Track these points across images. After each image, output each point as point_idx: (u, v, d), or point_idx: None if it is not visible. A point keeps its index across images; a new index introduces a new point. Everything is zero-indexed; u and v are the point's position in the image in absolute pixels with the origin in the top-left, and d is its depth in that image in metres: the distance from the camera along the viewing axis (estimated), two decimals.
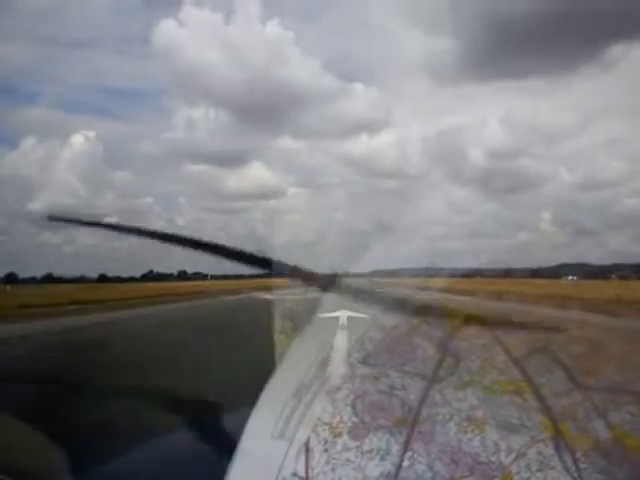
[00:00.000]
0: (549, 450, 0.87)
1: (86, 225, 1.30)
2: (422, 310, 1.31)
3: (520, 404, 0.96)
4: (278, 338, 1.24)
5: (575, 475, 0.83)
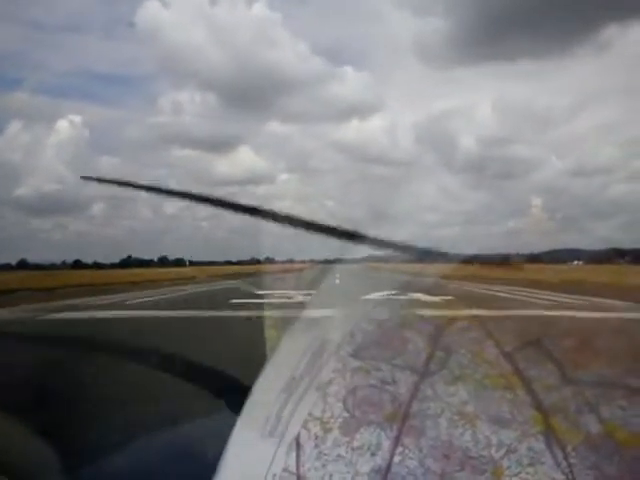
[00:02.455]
0: (540, 445, 0.88)
1: (125, 186, 1.18)
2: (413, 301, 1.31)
3: (511, 398, 0.96)
4: (268, 332, 1.23)
5: (566, 470, 0.84)
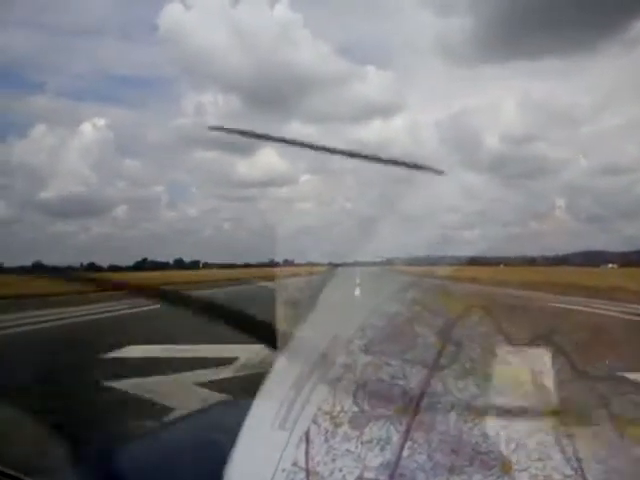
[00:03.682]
0: (549, 439, 0.87)
1: (255, 137, 1.18)
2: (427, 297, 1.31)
3: (521, 393, 0.96)
4: (280, 326, 1.24)
5: (575, 465, 0.83)
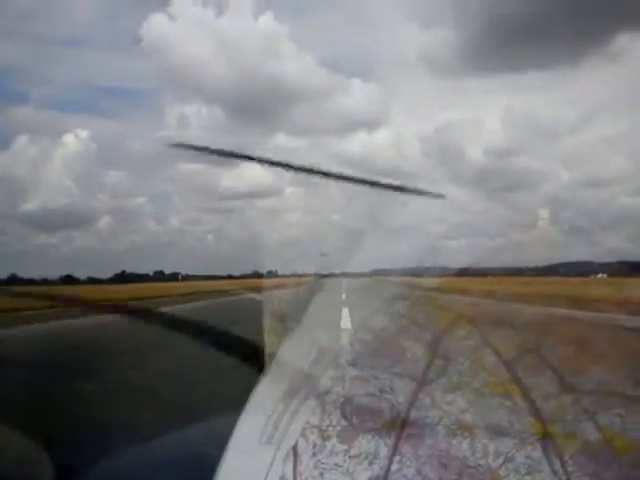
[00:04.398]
0: (537, 453, 0.87)
1: (214, 153, 1.19)
2: (414, 310, 1.31)
3: (509, 407, 0.96)
4: (268, 339, 1.23)
5: (563, 478, 0.83)
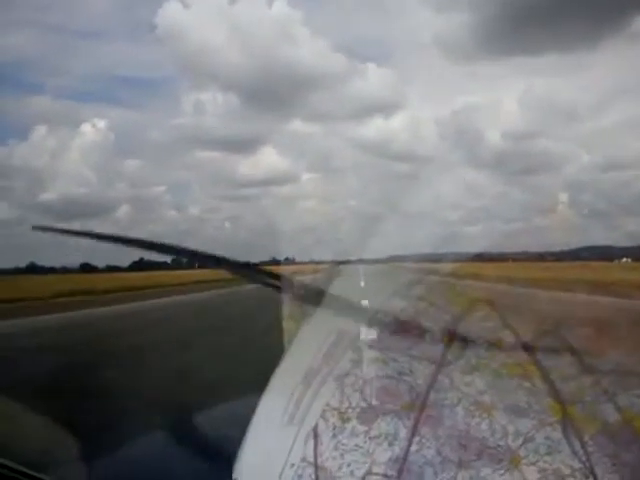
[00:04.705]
0: (557, 434, 0.87)
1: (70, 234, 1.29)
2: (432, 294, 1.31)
3: (528, 388, 0.96)
4: (287, 324, 1.24)
5: (583, 458, 0.83)
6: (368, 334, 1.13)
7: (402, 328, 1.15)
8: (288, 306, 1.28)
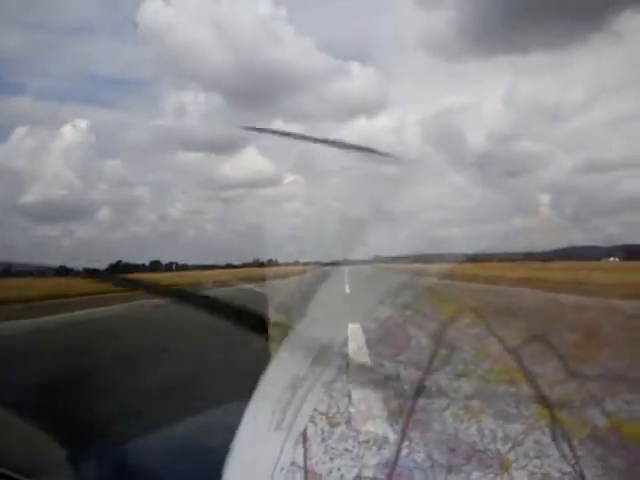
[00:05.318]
0: (546, 438, 0.88)
1: None
2: (418, 298, 1.31)
3: (516, 392, 0.96)
4: (274, 330, 1.24)
5: (572, 462, 0.84)
6: (355, 339, 1.13)
7: (388, 333, 1.15)
8: (274, 310, 1.27)
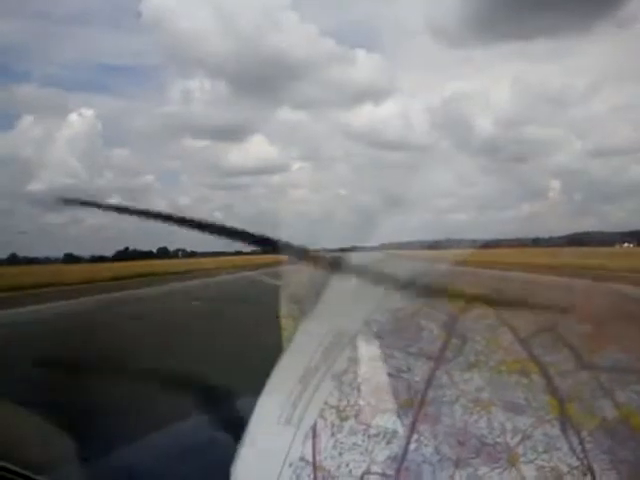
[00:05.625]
0: (555, 431, 0.88)
1: (96, 207, 1.26)
2: (430, 288, 1.30)
3: (526, 384, 0.96)
4: (284, 322, 1.24)
5: (581, 455, 0.84)
6: (365, 330, 1.12)
7: (399, 323, 1.15)
8: (285, 302, 1.28)
